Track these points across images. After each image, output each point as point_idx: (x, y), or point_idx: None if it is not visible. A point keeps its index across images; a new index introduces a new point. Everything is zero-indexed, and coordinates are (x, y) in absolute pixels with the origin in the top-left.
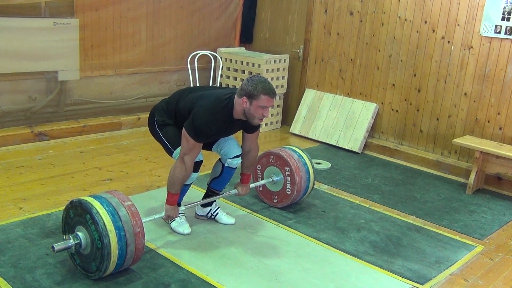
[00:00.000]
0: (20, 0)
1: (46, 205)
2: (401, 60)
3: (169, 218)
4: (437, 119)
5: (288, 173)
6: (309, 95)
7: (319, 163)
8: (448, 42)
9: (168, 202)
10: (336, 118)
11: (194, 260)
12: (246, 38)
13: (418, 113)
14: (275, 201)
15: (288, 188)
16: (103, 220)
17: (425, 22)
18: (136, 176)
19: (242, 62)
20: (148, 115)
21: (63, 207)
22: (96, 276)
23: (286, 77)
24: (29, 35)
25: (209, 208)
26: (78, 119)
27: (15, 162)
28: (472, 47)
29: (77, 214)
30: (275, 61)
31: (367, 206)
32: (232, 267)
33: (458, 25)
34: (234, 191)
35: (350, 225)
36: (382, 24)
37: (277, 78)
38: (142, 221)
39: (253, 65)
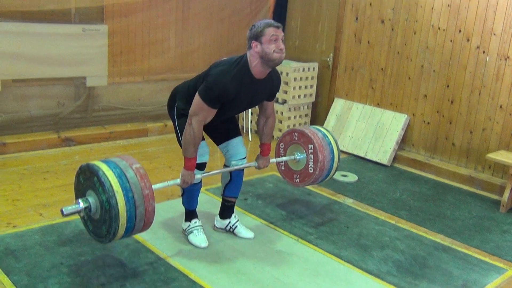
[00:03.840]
0: (50, 6)
1: None
2: (434, 70)
3: (185, 184)
4: (471, 132)
5: (311, 150)
6: (338, 104)
7: (345, 176)
8: (483, 52)
9: (185, 166)
10: (365, 129)
11: (208, 275)
12: None
13: (450, 126)
14: (296, 180)
15: (311, 166)
16: (109, 181)
17: (459, 31)
18: None
19: None
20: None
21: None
22: (107, 240)
23: (314, 86)
24: (59, 41)
25: (228, 220)
26: (105, 125)
27: (41, 167)
28: (508, 57)
29: (86, 179)
30: (303, 69)
31: (393, 222)
32: (248, 284)
33: (494, 34)
34: (254, 163)
35: (374, 242)
36: (415, 32)
37: (306, 87)
38: (153, 187)
39: (281, 73)
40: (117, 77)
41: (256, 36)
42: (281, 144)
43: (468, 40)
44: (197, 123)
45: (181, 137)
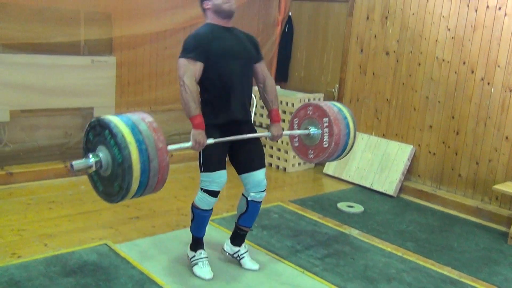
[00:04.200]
0: (60, 38)
1: (71, 242)
2: (439, 101)
3: (197, 144)
4: (477, 163)
5: (326, 124)
6: None
7: (351, 206)
8: (488, 83)
9: (193, 126)
10: (371, 160)
11: None
12: (282, 76)
13: (456, 157)
14: (310, 156)
15: (326, 140)
16: (121, 132)
17: (464, 63)
18: (163, 215)
19: None
20: None
21: (87, 245)
22: (119, 196)
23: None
24: (68, 72)
25: (238, 248)
26: None
27: (47, 197)
28: None
29: (96, 134)
30: (309, 100)
31: (400, 254)
32: None
33: (499, 66)
34: (268, 133)
35: (380, 274)
36: (419, 64)
37: None
38: (168, 148)
39: (287, 104)
40: (124, 107)
41: None
42: (295, 119)
43: (472, 72)
44: (188, 79)
45: (202, 166)
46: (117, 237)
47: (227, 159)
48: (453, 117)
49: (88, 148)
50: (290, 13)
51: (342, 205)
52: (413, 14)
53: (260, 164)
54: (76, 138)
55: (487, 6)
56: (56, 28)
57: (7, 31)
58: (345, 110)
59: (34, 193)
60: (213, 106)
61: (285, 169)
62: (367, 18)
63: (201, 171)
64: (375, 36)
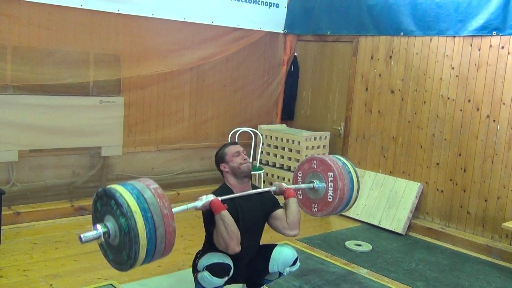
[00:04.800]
0: (69, 80)
1: (76, 283)
2: (445, 139)
3: (204, 208)
4: (485, 200)
5: (331, 178)
6: None
7: (359, 245)
8: (494, 121)
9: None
10: (378, 197)
11: None
12: (288, 115)
13: (464, 194)
14: (314, 210)
15: (330, 195)
16: (127, 202)
17: (469, 100)
18: (170, 254)
19: (282, 139)
20: None
21: (93, 286)
22: (127, 266)
23: (326, 154)
24: (76, 112)
25: None
26: None
27: (53, 237)
28: None
29: (104, 204)
30: (315, 138)
31: None
32: None
33: (504, 103)
34: (273, 188)
35: None
36: (424, 102)
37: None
38: (173, 210)
39: (293, 142)
40: (131, 146)
41: (222, 159)
42: (299, 172)
43: (478, 109)
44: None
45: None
46: (123, 277)
47: None
48: (460, 154)
49: (97, 217)
50: (295, 53)
51: (350, 244)
52: (416, 53)
53: (269, 247)
54: (84, 177)
55: (490, 45)
56: (66, 70)
57: (19, 73)
58: (349, 165)
59: (40, 233)
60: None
61: None
62: (372, 57)
63: (194, 270)
64: (380, 75)
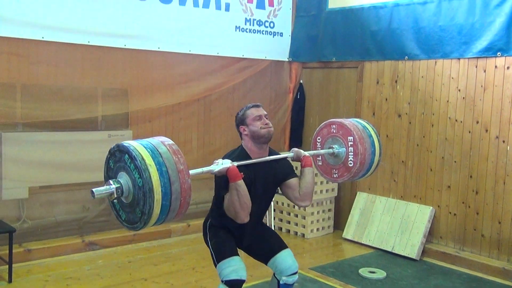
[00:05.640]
0: (78, 115)
1: None
2: (455, 161)
3: (220, 174)
4: (499, 222)
5: (351, 143)
6: (361, 198)
7: (373, 272)
8: (503, 141)
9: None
10: (390, 223)
11: None
12: (295, 142)
13: (478, 216)
14: (335, 176)
15: (350, 160)
16: (141, 155)
17: (477, 122)
18: None
19: None
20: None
21: None
22: (142, 223)
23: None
24: (85, 147)
25: None
26: None
27: (64, 273)
28: None
29: (117, 161)
30: None
31: None
32: None
33: None
34: (291, 154)
35: None
36: (432, 125)
37: (327, 182)
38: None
39: None
40: None
41: (242, 121)
42: (318, 137)
43: (486, 130)
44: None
45: (215, 258)
46: None
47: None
48: (471, 176)
49: (109, 176)
50: (301, 81)
51: (363, 271)
52: (422, 77)
53: (280, 246)
54: (94, 212)
55: (496, 66)
56: (74, 105)
57: (28, 110)
58: (369, 128)
59: (52, 270)
60: (223, 225)
61: (303, 235)
62: (377, 82)
63: (215, 265)
64: (386, 99)
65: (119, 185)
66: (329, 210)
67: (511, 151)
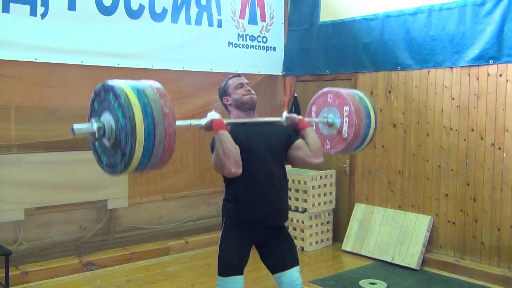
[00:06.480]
0: (72, 135)
1: None
2: (452, 170)
3: (208, 128)
4: (498, 229)
5: (347, 113)
6: (359, 209)
7: (373, 283)
8: (499, 148)
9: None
10: (389, 233)
11: None
12: None
13: (476, 224)
14: (328, 147)
15: (345, 130)
16: (126, 93)
17: (472, 130)
18: None
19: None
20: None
21: None
22: (122, 165)
23: (334, 193)
24: (81, 166)
25: None
26: (126, 246)
27: None
28: None
29: (101, 101)
30: (321, 177)
31: None
32: None
33: (507, 131)
34: (282, 119)
35: None
36: (427, 134)
37: (325, 194)
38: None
39: (299, 182)
40: (137, 197)
41: (224, 92)
42: (313, 106)
43: (482, 138)
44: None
45: (217, 267)
46: None
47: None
48: (468, 184)
49: (93, 117)
50: (295, 94)
51: (364, 283)
52: (416, 87)
53: (292, 263)
54: (91, 231)
55: (488, 74)
56: (68, 125)
57: (22, 132)
58: (367, 100)
59: None
60: (236, 202)
61: (302, 248)
62: (371, 93)
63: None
64: (381, 110)
65: (101, 125)
66: (328, 222)
67: (507, 157)
